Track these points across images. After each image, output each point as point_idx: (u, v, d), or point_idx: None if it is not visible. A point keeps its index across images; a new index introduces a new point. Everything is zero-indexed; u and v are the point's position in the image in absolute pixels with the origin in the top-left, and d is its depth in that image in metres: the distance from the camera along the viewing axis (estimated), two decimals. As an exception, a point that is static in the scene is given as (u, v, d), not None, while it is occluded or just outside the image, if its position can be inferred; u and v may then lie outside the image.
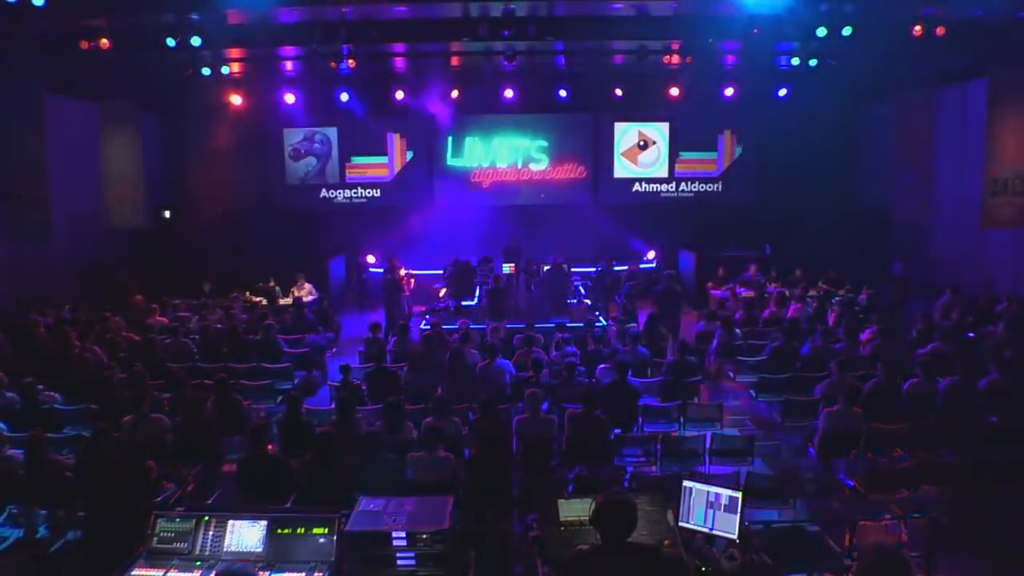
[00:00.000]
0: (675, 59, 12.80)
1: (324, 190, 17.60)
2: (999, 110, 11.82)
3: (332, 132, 17.39)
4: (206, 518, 4.27)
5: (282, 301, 13.33)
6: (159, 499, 5.65)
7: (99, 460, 5.48)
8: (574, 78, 15.50)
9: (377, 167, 17.56)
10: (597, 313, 12.70)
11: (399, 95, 15.54)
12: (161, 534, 4.22)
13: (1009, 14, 10.39)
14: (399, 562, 4.02)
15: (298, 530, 4.15)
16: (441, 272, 15.01)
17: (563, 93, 15.59)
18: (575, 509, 4.44)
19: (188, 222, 16.15)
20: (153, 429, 6.50)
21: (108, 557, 4.36)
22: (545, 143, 17.54)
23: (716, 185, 17.74)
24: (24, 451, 5.82)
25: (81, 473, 5.54)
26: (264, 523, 4.19)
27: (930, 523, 4.83)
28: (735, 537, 4.30)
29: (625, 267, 14.85)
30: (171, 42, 10.89)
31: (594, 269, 15.15)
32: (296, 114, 16.37)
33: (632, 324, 11.42)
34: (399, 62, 14.36)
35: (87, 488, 5.41)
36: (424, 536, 4.02)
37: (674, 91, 15.22)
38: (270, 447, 5.96)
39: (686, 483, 4.50)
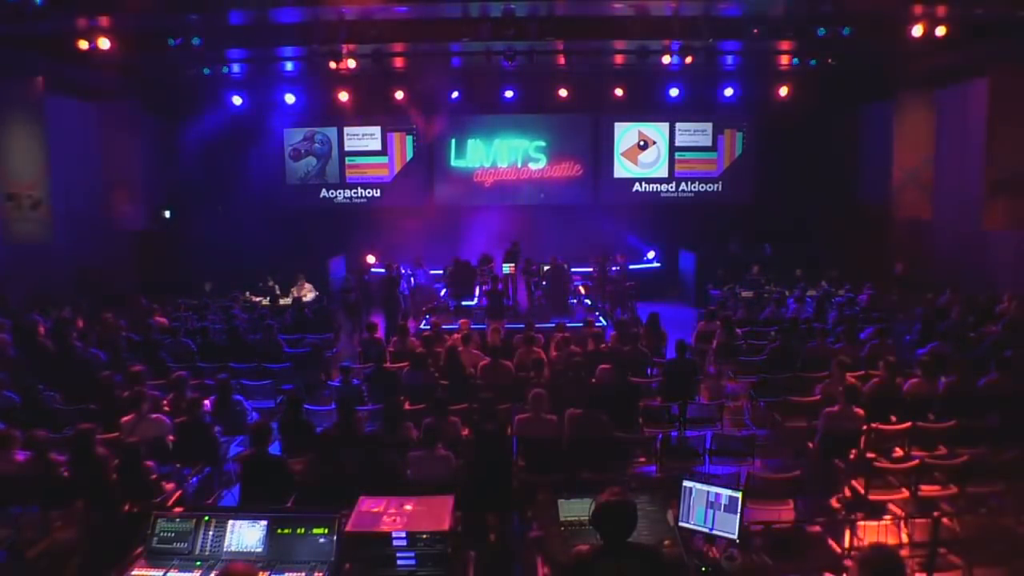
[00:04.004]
0: (675, 59, 12.80)
1: (324, 190, 17.64)
2: (999, 110, 11.83)
3: (332, 132, 17.42)
4: (206, 518, 4.26)
5: (282, 301, 13.34)
6: (159, 499, 5.65)
7: (89, 462, 5.49)
8: (574, 78, 15.52)
9: (377, 167, 17.58)
10: (597, 313, 12.70)
11: (399, 95, 15.56)
12: (161, 534, 4.21)
13: (1009, 14, 10.39)
14: (399, 562, 4.01)
15: (298, 530, 4.14)
16: (441, 272, 15.01)
17: (563, 93, 15.60)
18: (575, 509, 4.44)
19: (188, 222, 16.16)
20: (153, 429, 6.49)
21: (106, 557, 4.36)
22: (544, 143, 17.56)
23: (716, 185, 17.75)
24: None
25: (74, 474, 5.55)
26: (264, 523, 4.18)
27: (930, 523, 4.83)
28: (735, 537, 4.30)
29: (617, 268, 14.90)
30: (171, 42, 10.90)
31: (591, 268, 15.20)
32: (296, 114, 16.38)
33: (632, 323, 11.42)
34: (399, 62, 14.37)
35: (82, 489, 5.42)
36: (424, 536, 4.01)
37: (674, 91, 15.22)
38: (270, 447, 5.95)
39: (686, 483, 4.49)
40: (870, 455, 6.31)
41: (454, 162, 17.62)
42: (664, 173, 17.71)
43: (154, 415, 6.68)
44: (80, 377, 8.27)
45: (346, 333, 12.74)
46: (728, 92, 15.51)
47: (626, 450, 6.70)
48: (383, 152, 17.52)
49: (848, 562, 4.44)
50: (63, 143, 12.94)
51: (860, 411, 6.63)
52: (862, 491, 5.93)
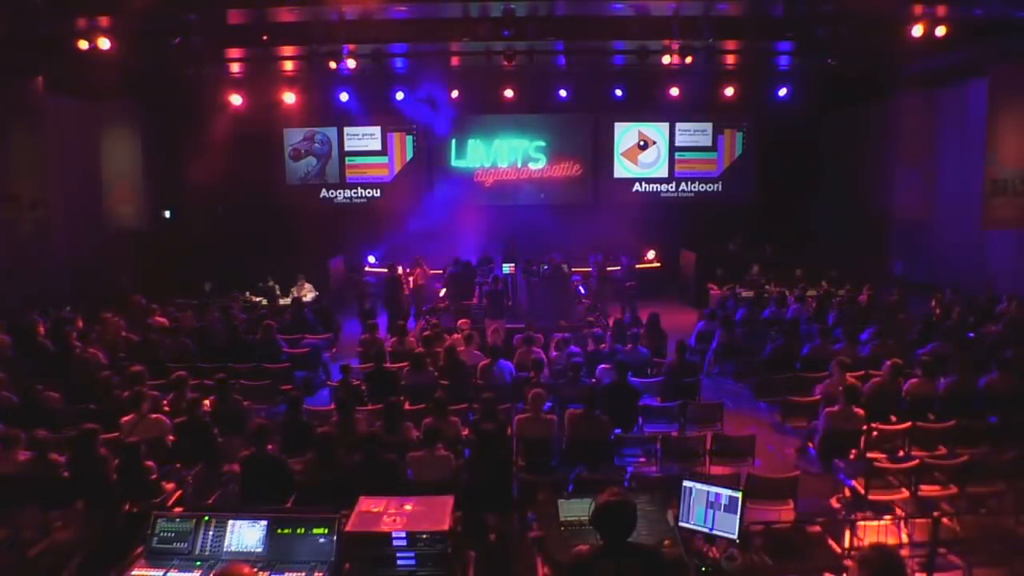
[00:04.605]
0: (675, 59, 12.79)
1: (324, 190, 17.64)
2: (999, 110, 11.82)
3: (332, 132, 17.42)
4: (206, 518, 4.26)
5: (282, 301, 13.33)
6: (159, 499, 5.65)
7: (89, 462, 5.48)
8: (574, 78, 15.51)
9: (377, 167, 17.58)
10: (597, 313, 12.69)
11: (399, 95, 15.55)
12: (161, 534, 4.21)
13: (1009, 14, 10.38)
14: (399, 562, 4.02)
15: (298, 530, 4.15)
16: (441, 272, 15.01)
17: (563, 93, 15.59)
18: (575, 509, 4.44)
19: (188, 222, 16.15)
20: (153, 429, 6.49)
21: (106, 557, 4.36)
22: (544, 143, 17.56)
23: (716, 185, 17.75)
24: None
25: (74, 474, 5.55)
26: (264, 523, 4.19)
27: (930, 523, 4.82)
28: (735, 537, 4.30)
29: (618, 268, 14.90)
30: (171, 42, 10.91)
31: (591, 268, 15.19)
32: (296, 114, 16.38)
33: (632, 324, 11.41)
34: (399, 62, 14.35)
35: (82, 489, 5.41)
36: (424, 536, 4.02)
37: (674, 91, 15.22)
38: (270, 447, 5.95)
39: (686, 483, 4.50)
40: (870, 455, 6.31)
41: (454, 162, 17.62)
42: (664, 173, 17.71)
43: (154, 415, 6.68)
44: (80, 377, 8.28)
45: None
46: (728, 92, 15.49)
47: (625, 450, 6.70)
48: (383, 152, 17.52)
49: (848, 562, 4.44)
50: (63, 143, 12.92)
51: (860, 411, 6.63)
52: (862, 491, 5.93)
